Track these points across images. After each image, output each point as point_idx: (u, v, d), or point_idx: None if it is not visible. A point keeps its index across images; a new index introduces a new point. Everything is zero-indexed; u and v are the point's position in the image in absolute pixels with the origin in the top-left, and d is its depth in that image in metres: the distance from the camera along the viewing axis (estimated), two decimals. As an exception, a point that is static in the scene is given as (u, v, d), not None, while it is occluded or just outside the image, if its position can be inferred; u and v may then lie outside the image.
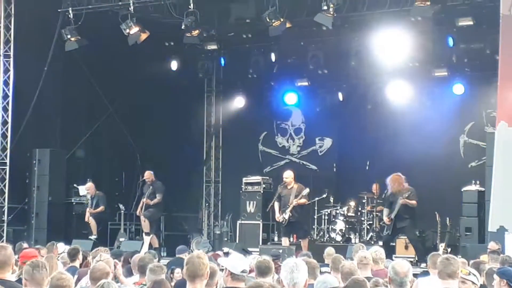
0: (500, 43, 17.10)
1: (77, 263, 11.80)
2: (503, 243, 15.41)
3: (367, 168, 21.64)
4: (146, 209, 20.39)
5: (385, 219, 18.33)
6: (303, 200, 19.10)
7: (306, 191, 19.04)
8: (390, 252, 17.83)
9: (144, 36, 20.11)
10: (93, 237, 20.36)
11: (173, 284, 9.60)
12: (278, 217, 19.15)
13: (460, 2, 18.91)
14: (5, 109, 20.57)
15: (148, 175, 20.69)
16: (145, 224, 20.27)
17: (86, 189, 21.02)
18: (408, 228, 18.28)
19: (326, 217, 21.49)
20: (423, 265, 16.57)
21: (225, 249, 16.60)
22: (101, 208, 20.77)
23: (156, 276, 8.77)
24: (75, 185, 21.73)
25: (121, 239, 20.34)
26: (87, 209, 20.81)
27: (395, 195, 18.12)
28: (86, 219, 20.79)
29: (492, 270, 9.00)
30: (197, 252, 7.16)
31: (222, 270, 7.85)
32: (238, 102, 24.70)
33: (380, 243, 18.76)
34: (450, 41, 20.17)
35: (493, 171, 16.95)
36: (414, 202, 17.95)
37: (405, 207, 17.93)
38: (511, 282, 8.26)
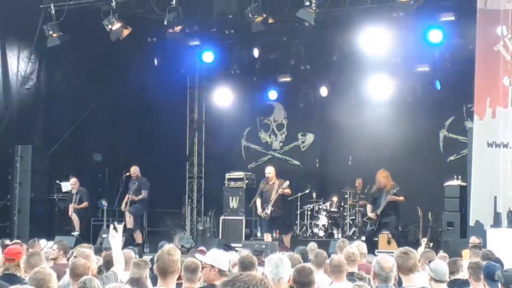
0: (477, 37, 17.23)
1: (65, 260, 11.72)
2: (485, 238, 15.51)
3: (349, 163, 21.73)
4: (131, 205, 20.40)
5: (371, 214, 18.37)
6: (287, 190, 19.18)
7: (287, 183, 19.12)
8: (372, 247, 17.93)
9: (126, 32, 20.06)
10: (76, 233, 20.31)
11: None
12: (261, 212, 19.20)
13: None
14: (-14, 106, 20.54)
15: (134, 170, 20.68)
16: (130, 220, 20.26)
17: (70, 185, 20.97)
18: (392, 224, 18.35)
19: (309, 213, 21.53)
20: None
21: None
22: (84, 204, 20.75)
23: (140, 271, 8.74)
24: (57, 181, 21.66)
25: (103, 235, 20.29)
26: (70, 205, 20.79)
27: (380, 191, 18.19)
28: (69, 214, 20.77)
29: (474, 264, 9.04)
30: (167, 248, 7.11)
31: (203, 267, 7.83)
32: (221, 97, 24.71)
33: (363, 238, 18.82)
34: (432, 37, 20.21)
35: (472, 166, 17.11)
36: (402, 198, 18.05)
37: (390, 203, 18.02)
38: (488, 278, 8.33)
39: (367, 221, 19.13)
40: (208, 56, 23.42)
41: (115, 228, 8.79)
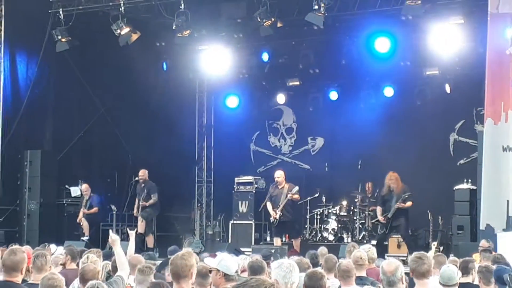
0: (488, 41, 17.17)
1: (74, 265, 11.72)
2: (495, 242, 15.43)
3: (359, 167, 21.68)
4: (143, 210, 20.43)
5: (381, 218, 18.36)
6: (296, 196, 19.18)
7: (296, 188, 19.12)
8: (383, 251, 17.92)
9: (135, 36, 20.08)
10: (85, 238, 20.34)
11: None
12: (274, 215, 19.16)
13: (450, 0, 18.94)
14: (-4, 111, 20.55)
15: (143, 173, 20.69)
16: (142, 225, 20.28)
17: (83, 190, 21.04)
18: (402, 227, 18.34)
19: (319, 217, 21.51)
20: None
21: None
22: (94, 209, 20.82)
23: (145, 277, 8.69)
24: (66, 186, 21.69)
25: (113, 240, 20.29)
26: (81, 209, 20.84)
27: (390, 194, 18.18)
28: (78, 220, 20.82)
29: (484, 268, 9.00)
30: (182, 252, 7.07)
31: (210, 271, 7.78)
32: (230, 102, 24.71)
33: (373, 242, 18.78)
34: (441, 40, 20.13)
35: (482, 169, 17.03)
36: (409, 204, 18.05)
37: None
38: (498, 281, 8.29)
39: (377, 224, 19.08)
40: (218, 62, 23.26)
41: (125, 233, 8.81)
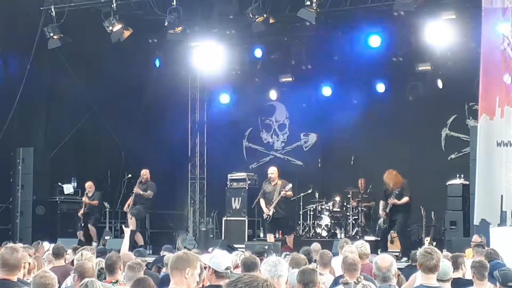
0: (482, 36, 17.20)
1: (62, 262, 11.74)
2: (488, 236, 15.47)
3: (351, 163, 21.69)
4: (134, 206, 20.41)
5: (382, 213, 18.50)
6: (289, 193, 19.23)
7: (289, 186, 19.15)
8: (385, 244, 18.13)
9: (127, 33, 20.05)
10: (95, 244, 20.12)
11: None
12: (267, 212, 19.20)
13: (442, -5, 19.00)
14: (-12, 108, 20.52)
15: (145, 173, 20.66)
16: (132, 221, 20.26)
17: (88, 187, 21.10)
18: (399, 222, 18.42)
19: (312, 213, 21.52)
20: (404, 259, 16.68)
21: (210, 250, 16.61)
22: (95, 201, 20.87)
23: (135, 274, 8.66)
24: (59, 183, 21.67)
25: (106, 237, 20.31)
26: (83, 198, 20.86)
27: (391, 190, 18.27)
28: (79, 214, 20.86)
29: (478, 263, 9.02)
30: (185, 250, 7.09)
31: (205, 268, 7.80)
32: (223, 98, 24.70)
33: (366, 238, 18.83)
34: (433, 35, 20.14)
35: (476, 165, 17.06)
36: (404, 200, 18.08)
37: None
38: (491, 276, 8.32)
39: (382, 218, 19.14)
40: (210, 58, 23.26)
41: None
